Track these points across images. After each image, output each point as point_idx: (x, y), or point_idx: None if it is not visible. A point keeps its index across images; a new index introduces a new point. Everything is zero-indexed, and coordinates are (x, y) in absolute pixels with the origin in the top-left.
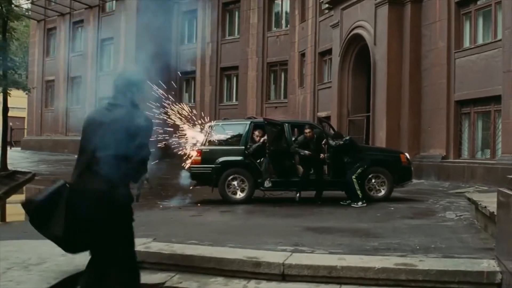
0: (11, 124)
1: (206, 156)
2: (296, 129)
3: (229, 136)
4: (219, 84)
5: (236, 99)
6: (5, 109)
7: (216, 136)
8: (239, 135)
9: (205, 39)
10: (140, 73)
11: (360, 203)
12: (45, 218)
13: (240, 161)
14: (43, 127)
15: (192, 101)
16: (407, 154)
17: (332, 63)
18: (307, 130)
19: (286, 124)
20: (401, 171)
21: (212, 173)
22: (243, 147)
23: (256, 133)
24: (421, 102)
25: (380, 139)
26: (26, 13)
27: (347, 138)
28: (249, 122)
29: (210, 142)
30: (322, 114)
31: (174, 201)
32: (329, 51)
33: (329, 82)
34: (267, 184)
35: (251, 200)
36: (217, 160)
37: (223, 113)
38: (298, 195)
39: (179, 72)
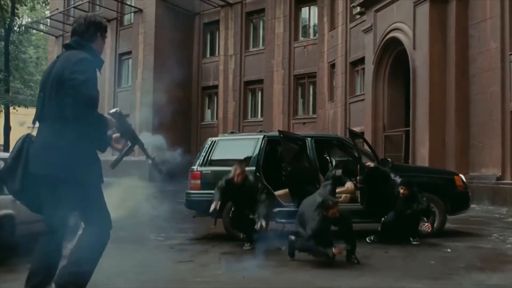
0: None
1: (207, 180)
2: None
3: (236, 155)
4: (243, 99)
5: (261, 115)
6: (7, 127)
7: (219, 155)
8: (249, 153)
9: (227, 51)
10: (96, 16)
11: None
12: (10, 174)
13: None
14: None
15: (215, 118)
16: (462, 176)
17: (365, 72)
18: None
19: (309, 139)
20: (456, 197)
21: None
22: (254, 168)
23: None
24: (470, 114)
25: (422, 157)
26: (41, 27)
27: (409, 184)
28: (261, 136)
29: (212, 162)
30: (354, 129)
31: (170, 236)
32: (361, 60)
33: (362, 95)
34: (260, 225)
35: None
36: (219, 183)
37: (248, 130)
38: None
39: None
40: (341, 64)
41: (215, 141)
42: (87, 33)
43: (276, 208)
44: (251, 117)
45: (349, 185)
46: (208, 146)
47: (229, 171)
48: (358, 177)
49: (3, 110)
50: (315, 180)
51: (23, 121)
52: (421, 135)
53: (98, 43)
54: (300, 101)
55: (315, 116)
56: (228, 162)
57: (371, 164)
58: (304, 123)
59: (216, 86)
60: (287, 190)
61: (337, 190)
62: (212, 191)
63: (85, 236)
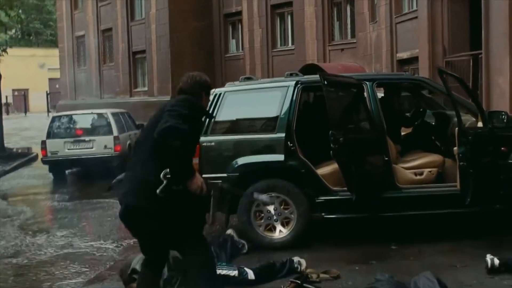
0: (47, 90)
1: (212, 155)
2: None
3: (254, 114)
4: (271, 25)
5: (292, 43)
6: None
7: (228, 115)
8: (275, 112)
9: None
10: (202, 75)
11: None
12: None
13: (279, 163)
14: (77, 89)
15: (240, 48)
16: None
17: None
18: None
19: (367, 83)
20: None
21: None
22: (283, 136)
23: None
24: None
25: (500, 90)
26: None
27: None
28: (292, 83)
29: (218, 128)
30: (403, 55)
31: None
32: None
33: (411, 12)
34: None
35: (304, 240)
36: (233, 163)
37: (278, 60)
38: None
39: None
40: None
41: (220, 94)
42: (192, 91)
43: (319, 196)
44: (280, 45)
45: (435, 156)
46: (210, 102)
47: (244, 141)
48: (456, 148)
49: None
50: (381, 149)
51: (42, 63)
52: (498, 60)
53: (203, 101)
54: (336, 24)
55: (355, 41)
56: (242, 127)
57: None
58: (343, 49)
59: (239, 12)
60: (335, 165)
61: (417, 162)
62: (220, 175)
63: (192, 270)
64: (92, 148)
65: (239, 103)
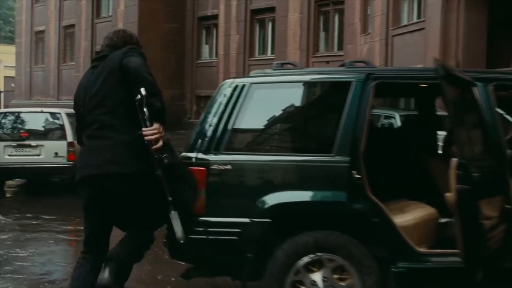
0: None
1: (226, 186)
2: None
3: (296, 123)
4: (250, 32)
5: (272, 52)
6: None
7: (255, 122)
8: (332, 121)
9: None
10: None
11: None
12: None
13: (338, 206)
14: (32, 88)
15: (214, 55)
16: None
17: None
18: None
19: (481, 85)
20: None
21: (242, 244)
22: (347, 159)
23: None
24: None
25: None
26: None
27: None
28: (360, 76)
29: (238, 141)
30: None
31: None
32: None
33: (411, 25)
34: None
35: None
36: (259, 202)
37: (255, 70)
38: None
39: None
40: None
41: (243, 88)
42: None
43: (399, 261)
44: (259, 54)
45: None
46: (227, 99)
47: (280, 166)
48: None
49: None
50: (504, 191)
51: None
52: None
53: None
54: (322, 34)
55: (342, 53)
56: (277, 143)
57: None
58: (328, 61)
59: (215, 16)
60: (420, 212)
61: None
62: (238, 219)
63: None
64: (39, 155)
65: (273, 104)
